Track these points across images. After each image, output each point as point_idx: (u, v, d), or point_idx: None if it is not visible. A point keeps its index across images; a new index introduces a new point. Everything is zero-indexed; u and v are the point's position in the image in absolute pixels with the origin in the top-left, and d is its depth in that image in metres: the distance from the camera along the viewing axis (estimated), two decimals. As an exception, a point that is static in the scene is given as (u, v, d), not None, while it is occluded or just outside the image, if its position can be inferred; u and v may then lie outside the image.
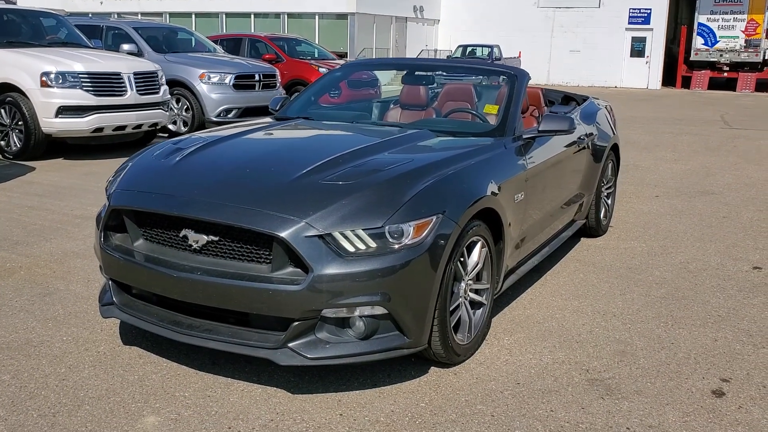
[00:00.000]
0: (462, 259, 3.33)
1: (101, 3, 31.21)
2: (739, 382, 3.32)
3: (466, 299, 3.43)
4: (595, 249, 5.52)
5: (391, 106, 5.25)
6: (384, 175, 3.28)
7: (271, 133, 4.30)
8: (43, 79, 8.41)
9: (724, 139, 12.76)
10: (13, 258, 4.94)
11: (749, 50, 27.19)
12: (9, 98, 8.61)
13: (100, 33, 11.84)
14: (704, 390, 3.24)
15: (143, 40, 11.77)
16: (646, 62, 29.74)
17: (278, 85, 12.27)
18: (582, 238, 5.74)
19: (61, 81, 8.45)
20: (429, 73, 5.34)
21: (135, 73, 9.12)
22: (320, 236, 2.94)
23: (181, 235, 3.17)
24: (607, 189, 5.92)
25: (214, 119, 11.11)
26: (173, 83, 11.06)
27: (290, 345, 2.98)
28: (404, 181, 3.23)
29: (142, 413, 2.94)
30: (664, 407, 3.08)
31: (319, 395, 3.11)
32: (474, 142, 4.01)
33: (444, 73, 5.78)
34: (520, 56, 29.34)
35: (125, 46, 11.01)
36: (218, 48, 13.50)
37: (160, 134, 10.54)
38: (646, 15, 29.40)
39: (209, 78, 11.21)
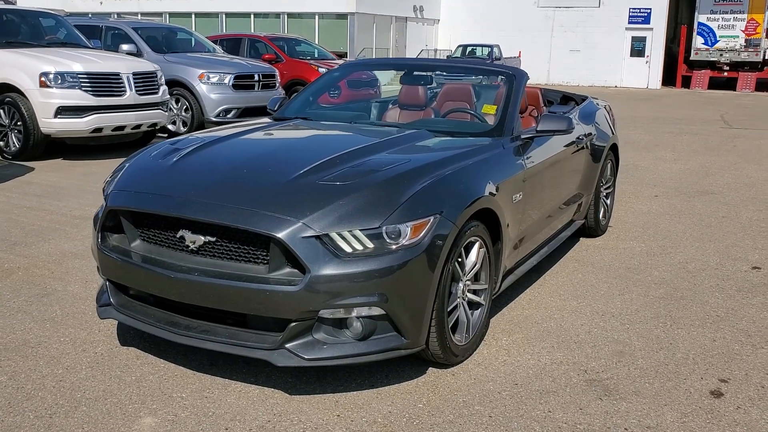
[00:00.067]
0: (460, 260, 3.33)
1: (101, 3, 31.21)
2: (737, 383, 3.32)
3: (464, 300, 3.43)
4: (594, 249, 5.51)
5: (390, 106, 5.24)
6: (381, 175, 3.27)
7: (269, 134, 4.29)
8: (42, 79, 8.41)
9: (723, 138, 12.75)
10: (11, 259, 4.93)
11: (749, 50, 27.19)
12: (8, 98, 8.61)
13: (99, 33, 11.84)
14: (703, 390, 3.24)
15: (142, 40, 11.77)
16: (646, 62, 29.74)
17: (278, 85, 12.26)
18: (581, 238, 5.74)
19: (60, 81, 8.44)
20: (427, 73, 5.34)
21: (134, 74, 9.12)
22: (317, 237, 2.94)
23: (178, 235, 3.16)
24: (606, 189, 5.91)
25: (214, 119, 11.11)
26: (172, 83, 11.06)
27: (287, 346, 2.97)
28: (402, 182, 3.22)
29: (139, 414, 2.94)
30: (663, 408, 3.07)
31: (316, 396, 3.11)
32: (472, 142, 4.01)
33: (442, 73, 5.77)
34: (520, 56, 29.35)
35: (124, 47, 11.01)
36: (218, 48, 13.49)
37: (160, 134, 10.53)
38: (646, 14, 29.40)
39: (208, 78, 11.21)
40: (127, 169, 3.66)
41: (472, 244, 3.42)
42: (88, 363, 3.38)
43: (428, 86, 5.18)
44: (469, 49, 28.16)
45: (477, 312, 3.57)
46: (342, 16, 28.13)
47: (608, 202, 6.03)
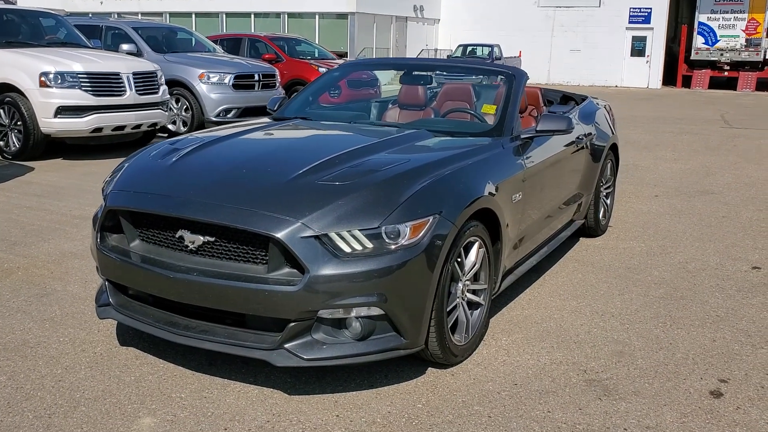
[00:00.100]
0: (459, 260, 3.32)
1: (101, 3, 31.22)
2: (737, 383, 3.31)
3: (463, 300, 3.42)
4: (593, 249, 5.51)
5: (390, 106, 5.24)
6: (381, 175, 3.27)
7: (269, 134, 4.29)
8: (42, 79, 8.41)
9: (724, 138, 12.75)
10: (10, 259, 4.93)
11: (750, 49, 27.18)
12: (8, 98, 8.61)
13: (99, 33, 11.84)
14: (702, 391, 3.23)
15: (143, 40, 11.77)
16: (647, 61, 29.73)
17: (278, 84, 12.26)
18: (581, 238, 5.73)
19: (59, 81, 8.44)
20: (427, 73, 5.34)
21: (134, 73, 9.12)
22: (316, 237, 2.94)
23: (177, 235, 3.16)
24: (606, 189, 5.91)
25: (214, 119, 11.11)
26: (173, 83, 11.06)
27: (286, 346, 2.97)
28: (401, 182, 3.22)
29: (138, 414, 2.94)
30: (662, 408, 3.07)
31: (315, 396, 3.11)
32: (471, 142, 4.00)
33: (442, 73, 5.77)
34: (520, 56, 29.35)
35: (124, 46, 11.01)
36: (218, 48, 13.49)
37: (160, 134, 10.53)
38: (646, 14, 29.39)
39: (209, 78, 11.21)
40: (127, 169, 3.66)
41: (471, 244, 3.42)
42: (87, 363, 3.38)
43: (428, 86, 5.18)
44: (469, 48, 28.15)
45: (476, 312, 3.57)
46: (342, 16, 28.13)
47: (608, 201, 6.03)
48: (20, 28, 9.65)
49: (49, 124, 8.54)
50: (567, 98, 6.33)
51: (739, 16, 27.35)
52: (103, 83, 8.75)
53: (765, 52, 27.01)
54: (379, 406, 3.03)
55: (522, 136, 4.23)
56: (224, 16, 30.07)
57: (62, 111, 8.49)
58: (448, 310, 3.27)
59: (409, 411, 3.00)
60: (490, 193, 3.52)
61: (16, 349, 3.52)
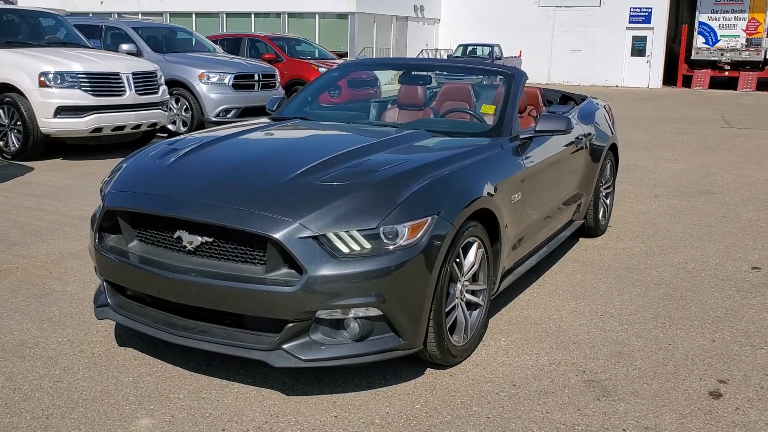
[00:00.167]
0: (458, 260, 3.32)
1: (101, 3, 31.22)
2: (736, 384, 3.31)
3: (462, 300, 3.42)
4: (593, 249, 5.50)
5: (389, 106, 5.23)
6: (379, 175, 3.27)
7: (267, 134, 4.29)
8: (42, 79, 8.41)
9: (724, 138, 12.74)
10: (9, 259, 4.93)
11: (750, 49, 27.16)
12: (7, 98, 8.61)
13: (99, 33, 11.83)
14: (701, 391, 3.23)
15: (142, 40, 11.77)
16: (647, 61, 29.71)
17: (277, 85, 12.26)
18: (580, 239, 5.73)
19: (59, 81, 8.44)
20: (426, 73, 5.33)
21: (134, 73, 9.12)
22: (314, 237, 2.93)
23: (175, 236, 3.15)
24: (605, 189, 5.90)
25: (214, 119, 11.10)
26: (172, 83, 11.06)
27: (285, 347, 2.96)
28: (399, 182, 3.21)
29: (136, 415, 2.93)
30: (661, 409, 3.06)
31: (313, 397, 3.10)
32: (470, 143, 4.00)
33: (441, 73, 5.77)
34: (520, 55, 29.34)
35: (124, 46, 11.00)
36: (218, 48, 13.49)
37: (160, 134, 10.53)
38: (646, 14, 29.37)
39: (208, 78, 11.21)
40: (125, 170, 3.66)
41: (470, 244, 3.41)
42: (85, 364, 3.37)
43: (427, 86, 5.18)
44: (469, 48, 28.14)
45: (475, 313, 3.56)
46: (342, 16, 28.12)
47: (608, 202, 6.02)
48: (20, 28, 9.65)
49: (49, 124, 8.53)
50: (566, 98, 6.33)
51: (740, 15, 27.33)
52: (103, 83, 8.74)
53: (765, 51, 26.99)
54: (378, 407, 3.03)
55: (521, 136, 4.22)
56: (224, 16, 30.07)
57: (62, 111, 8.49)
58: (446, 310, 3.26)
59: (407, 412, 3.00)
60: (488, 194, 3.51)
61: (14, 349, 3.52)
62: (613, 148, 5.95)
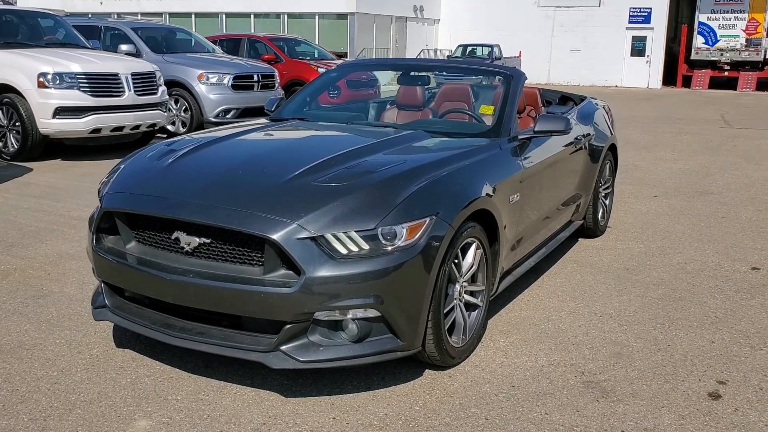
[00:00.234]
0: (456, 261, 3.31)
1: (101, 3, 31.21)
2: (735, 384, 3.30)
3: (460, 301, 3.41)
4: (592, 250, 5.49)
5: (388, 106, 5.23)
6: (377, 176, 3.26)
7: (266, 134, 4.28)
8: (40, 79, 8.40)
9: (724, 138, 12.73)
10: (7, 260, 4.92)
11: (750, 49, 27.16)
12: (6, 99, 8.60)
13: (98, 33, 11.82)
14: (700, 392, 3.22)
15: (141, 40, 11.76)
16: (647, 61, 29.71)
17: (277, 85, 12.25)
18: (579, 239, 5.72)
19: (58, 82, 8.43)
20: (425, 74, 5.32)
21: (133, 74, 9.11)
22: (312, 238, 2.92)
23: (173, 237, 3.15)
24: (604, 189, 5.90)
25: (213, 120, 11.10)
26: (172, 84, 11.05)
27: (282, 348, 2.96)
28: (397, 183, 3.20)
29: (133, 417, 2.92)
30: (660, 410, 3.05)
31: (312, 398, 3.09)
32: (469, 143, 3.99)
33: (440, 74, 5.76)
34: (520, 56, 29.33)
35: (123, 47, 11.00)
36: (217, 48, 13.48)
37: (159, 135, 10.52)
38: (646, 14, 29.37)
39: (208, 78, 11.20)
40: (123, 171, 3.65)
41: (468, 245, 3.40)
42: (83, 365, 3.37)
43: (426, 86, 5.17)
44: (469, 48, 28.13)
45: (474, 313, 3.55)
46: (342, 16, 28.12)
47: (607, 202, 6.02)
48: (19, 28, 9.64)
49: (48, 124, 8.52)
50: (566, 98, 6.32)
51: (740, 15, 27.33)
52: (102, 84, 8.73)
53: (765, 51, 27.00)
54: (376, 408, 3.02)
55: (520, 137, 4.22)
56: (224, 16, 30.06)
57: (61, 112, 8.48)
58: (445, 311, 3.25)
59: (406, 413, 2.99)
60: (487, 194, 3.51)
61: (12, 351, 3.51)
62: (613, 148, 5.94)
